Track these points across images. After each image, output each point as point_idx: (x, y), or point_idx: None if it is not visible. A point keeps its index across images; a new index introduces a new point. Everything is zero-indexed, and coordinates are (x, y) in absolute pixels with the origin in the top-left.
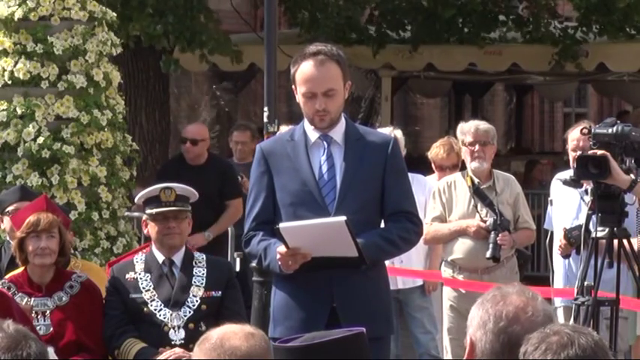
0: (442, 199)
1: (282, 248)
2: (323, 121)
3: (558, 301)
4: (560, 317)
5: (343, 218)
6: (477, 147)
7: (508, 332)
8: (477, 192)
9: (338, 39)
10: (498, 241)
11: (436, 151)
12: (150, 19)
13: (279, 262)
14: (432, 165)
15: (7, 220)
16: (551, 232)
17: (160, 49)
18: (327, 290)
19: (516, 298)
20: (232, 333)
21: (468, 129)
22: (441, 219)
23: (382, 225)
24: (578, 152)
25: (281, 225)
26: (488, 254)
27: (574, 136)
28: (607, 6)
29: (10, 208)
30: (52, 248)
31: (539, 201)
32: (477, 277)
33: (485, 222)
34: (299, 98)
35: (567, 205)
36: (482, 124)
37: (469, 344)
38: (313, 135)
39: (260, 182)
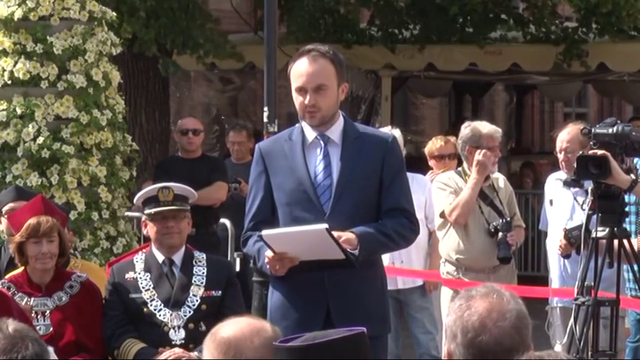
0: (451, 186)
1: (269, 252)
2: (313, 118)
3: (555, 302)
4: (558, 317)
5: (324, 226)
6: (495, 151)
7: (476, 343)
8: (478, 192)
9: (336, 40)
10: (509, 241)
11: (433, 142)
12: (141, 23)
13: (268, 266)
14: (429, 160)
15: (4, 221)
16: (546, 233)
17: (151, 55)
18: (322, 291)
19: (480, 304)
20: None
21: (487, 133)
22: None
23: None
24: (563, 154)
25: (264, 232)
26: (500, 254)
27: (561, 137)
28: (598, 6)
29: (5, 208)
30: (52, 252)
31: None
32: (485, 278)
33: (488, 223)
34: (294, 96)
35: (561, 206)
36: (494, 128)
37: (447, 355)
38: (311, 135)
39: (258, 182)
